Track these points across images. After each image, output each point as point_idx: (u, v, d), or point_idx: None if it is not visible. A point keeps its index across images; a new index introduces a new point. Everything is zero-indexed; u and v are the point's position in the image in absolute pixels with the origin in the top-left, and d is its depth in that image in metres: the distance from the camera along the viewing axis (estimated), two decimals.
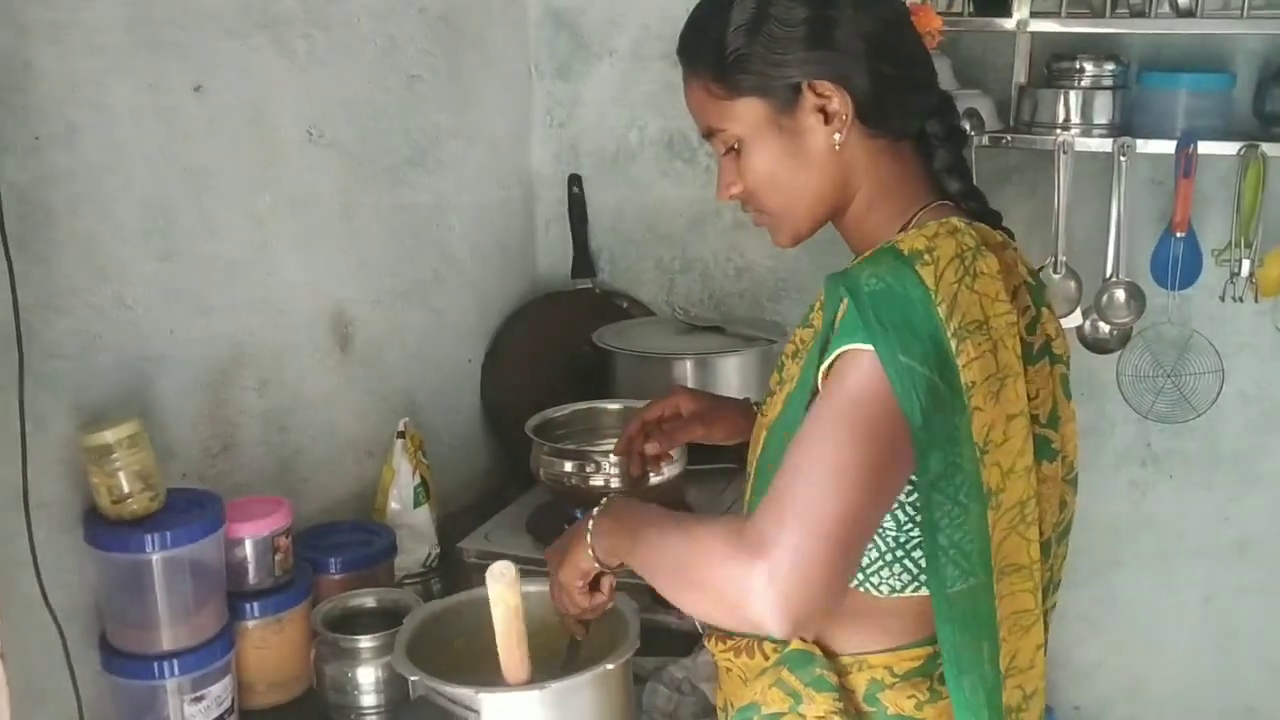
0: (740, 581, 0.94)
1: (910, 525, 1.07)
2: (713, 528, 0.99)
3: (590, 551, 1.16)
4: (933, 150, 1.15)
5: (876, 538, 1.08)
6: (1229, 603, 2.12)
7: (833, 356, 1.00)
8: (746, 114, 1.11)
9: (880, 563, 1.08)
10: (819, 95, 1.09)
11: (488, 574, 1.16)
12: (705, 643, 1.24)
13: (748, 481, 1.20)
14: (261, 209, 1.58)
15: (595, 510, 1.17)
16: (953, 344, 0.98)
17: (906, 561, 1.08)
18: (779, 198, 1.14)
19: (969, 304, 1.01)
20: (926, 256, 1.01)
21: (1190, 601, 2.15)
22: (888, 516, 1.07)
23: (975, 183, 1.17)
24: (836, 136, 1.10)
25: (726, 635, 1.18)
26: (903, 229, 1.12)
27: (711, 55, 1.11)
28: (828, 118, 1.09)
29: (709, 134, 1.15)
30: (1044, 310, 1.12)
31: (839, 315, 1.02)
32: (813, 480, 0.95)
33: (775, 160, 1.12)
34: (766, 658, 1.13)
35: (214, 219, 1.50)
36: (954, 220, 1.07)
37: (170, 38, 1.41)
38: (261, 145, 1.57)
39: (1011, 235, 1.17)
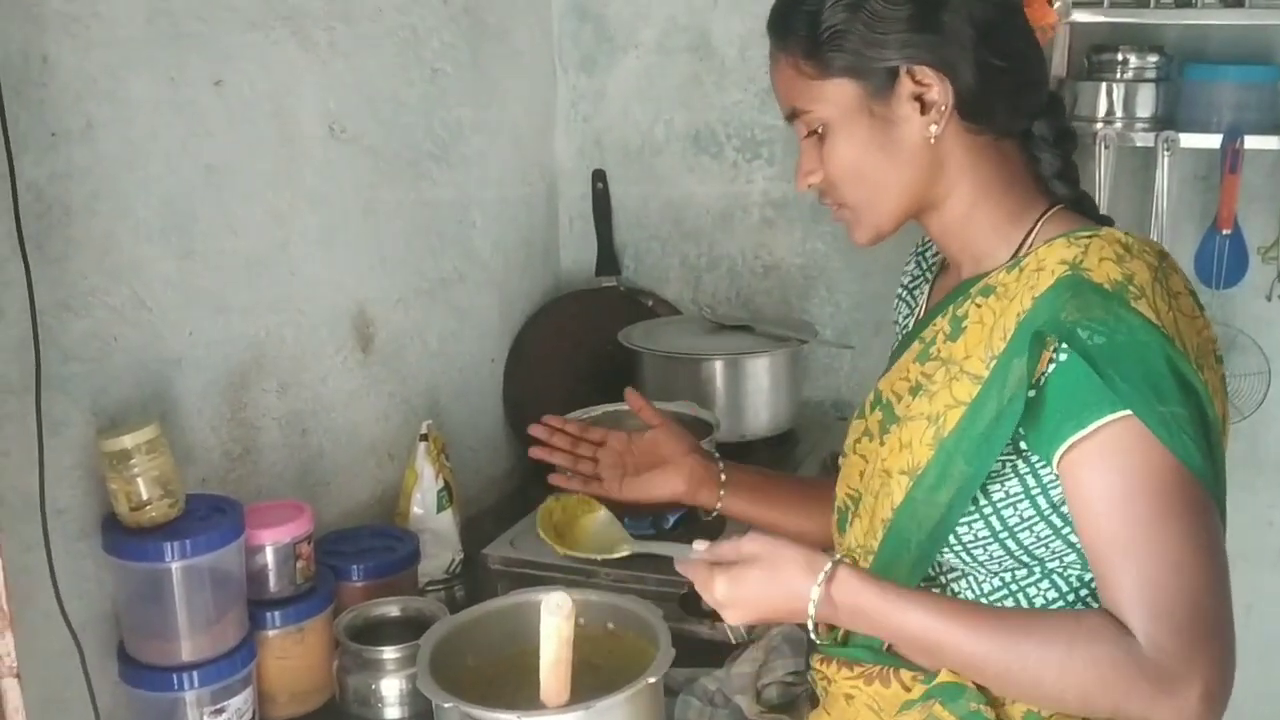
0: (1180, 712, 0.90)
1: None
2: (1093, 652, 0.91)
3: (812, 611, 1.01)
4: (1038, 152, 1.09)
5: (1058, 578, 1.03)
6: (1271, 611, 2.06)
7: (1079, 436, 0.93)
8: (836, 96, 1.05)
9: (1061, 603, 1.04)
10: (917, 82, 1.03)
11: (543, 606, 1.10)
12: (816, 665, 1.16)
13: (857, 522, 1.13)
14: (282, 206, 1.54)
15: (820, 571, 1.01)
16: (1202, 377, 0.93)
17: (1090, 601, 1.03)
18: (862, 190, 1.08)
19: (1186, 330, 0.95)
20: (1133, 289, 0.94)
21: None
22: (1075, 560, 1.02)
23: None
24: (933, 129, 1.03)
25: (853, 662, 1.11)
26: (1025, 240, 1.05)
27: (805, 29, 1.05)
28: (924, 107, 1.03)
29: (792, 115, 1.09)
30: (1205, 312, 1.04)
31: (1044, 369, 0.95)
32: (1183, 586, 0.90)
33: (862, 149, 1.05)
34: (907, 688, 1.06)
35: (234, 217, 1.46)
36: (1114, 231, 1.01)
37: (190, 30, 1.37)
38: (283, 141, 1.53)
39: None
